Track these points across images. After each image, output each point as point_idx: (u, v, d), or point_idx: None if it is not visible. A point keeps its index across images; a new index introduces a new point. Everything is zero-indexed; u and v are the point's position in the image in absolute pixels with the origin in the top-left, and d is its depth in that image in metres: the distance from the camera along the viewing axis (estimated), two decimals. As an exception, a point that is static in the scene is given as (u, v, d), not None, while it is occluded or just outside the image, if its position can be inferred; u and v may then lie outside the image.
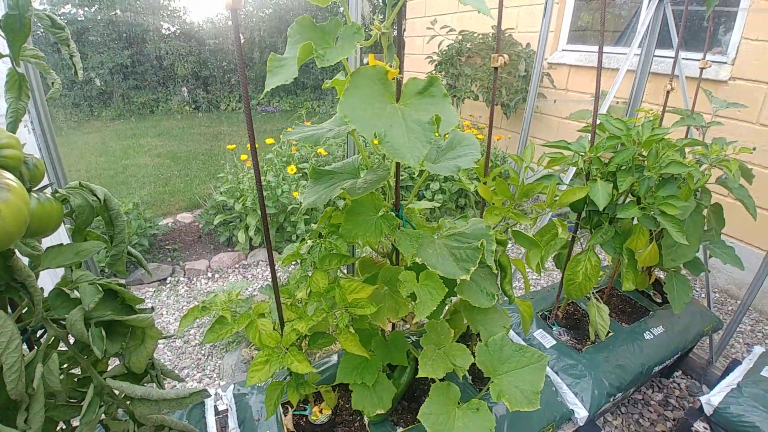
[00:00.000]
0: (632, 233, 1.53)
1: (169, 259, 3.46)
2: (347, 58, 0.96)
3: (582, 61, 3.58)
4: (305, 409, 1.31)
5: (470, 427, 1.07)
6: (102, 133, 6.78)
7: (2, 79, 0.86)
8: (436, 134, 1.17)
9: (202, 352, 2.55)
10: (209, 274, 3.25)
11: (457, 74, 4.27)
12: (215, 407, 1.46)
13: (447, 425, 1.06)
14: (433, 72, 4.66)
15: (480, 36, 4.23)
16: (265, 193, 3.28)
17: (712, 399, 1.54)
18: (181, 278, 3.22)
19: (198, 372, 2.40)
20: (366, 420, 1.28)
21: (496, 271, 1.20)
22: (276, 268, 1.02)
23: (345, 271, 1.48)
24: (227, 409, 1.43)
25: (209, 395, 0.88)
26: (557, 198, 1.17)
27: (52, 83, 0.92)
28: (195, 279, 3.22)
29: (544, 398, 1.45)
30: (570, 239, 1.62)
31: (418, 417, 1.04)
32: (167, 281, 3.17)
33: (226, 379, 2.30)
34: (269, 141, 3.67)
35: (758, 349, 1.80)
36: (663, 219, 1.31)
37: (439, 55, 4.47)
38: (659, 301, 2.03)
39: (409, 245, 1.01)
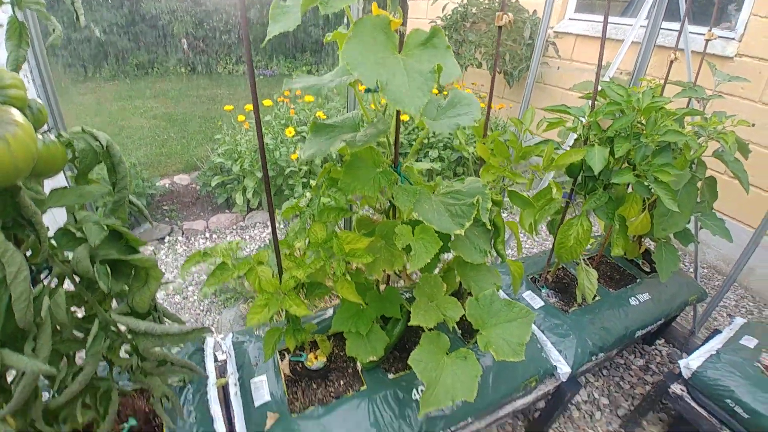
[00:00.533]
0: (626, 201, 1.56)
1: (167, 219, 3.49)
2: (350, 7, 0.96)
3: (588, 30, 3.51)
4: (301, 356, 1.37)
5: (458, 373, 1.12)
6: (97, 93, 6.65)
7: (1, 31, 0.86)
8: (436, 91, 1.17)
9: (201, 308, 2.61)
10: (207, 235, 3.29)
11: (461, 40, 4.18)
12: (215, 355, 1.52)
13: (436, 371, 1.12)
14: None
15: (486, 1, 4.13)
16: (263, 156, 3.28)
17: (691, 363, 1.61)
18: (180, 237, 3.25)
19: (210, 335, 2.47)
20: (359, 366, 1.35)
21: (490, 228, 1.24)
22: (276, 223, 1.04)
23: (342, 228, 1.51)
24: (226, 357, 1.49)
25: (211, 332, 0.92)
26: (554, 160, 1.18)
27: (53, 30, 0.92)
28: (193, 239, 3.25)
29: (529, 353, 1.52)
30: (564, 205, 1.65)
31: (408, 362, 1.10)
32: (165, 240, 3.20)
33: (225, 334, 2.37)
34: (267, 103, 3.63)
35: (739, 320, 1.87)
36: (657, 186, 1.34)
37: (443, 19, 4.37)
38: (647, 270, 2.08)
39: (406, 200, 1.04)
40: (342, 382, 1.32)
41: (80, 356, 0.95)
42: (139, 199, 3.29)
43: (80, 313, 0.98)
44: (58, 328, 0.93)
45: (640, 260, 2.12)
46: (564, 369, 1.55)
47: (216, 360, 1.51)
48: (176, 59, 7.75)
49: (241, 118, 3.57)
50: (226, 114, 3.68)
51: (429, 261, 1.02)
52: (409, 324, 1.10)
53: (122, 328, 0.96)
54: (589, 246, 2.25)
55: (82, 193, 0.91)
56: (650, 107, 1.27)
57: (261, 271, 1.03)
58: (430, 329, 1.21)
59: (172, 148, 4.79)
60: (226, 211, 3.55)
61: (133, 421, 1.23)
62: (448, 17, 4.35)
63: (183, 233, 3.29)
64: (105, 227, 0.87)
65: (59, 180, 1.29)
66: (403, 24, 0.86)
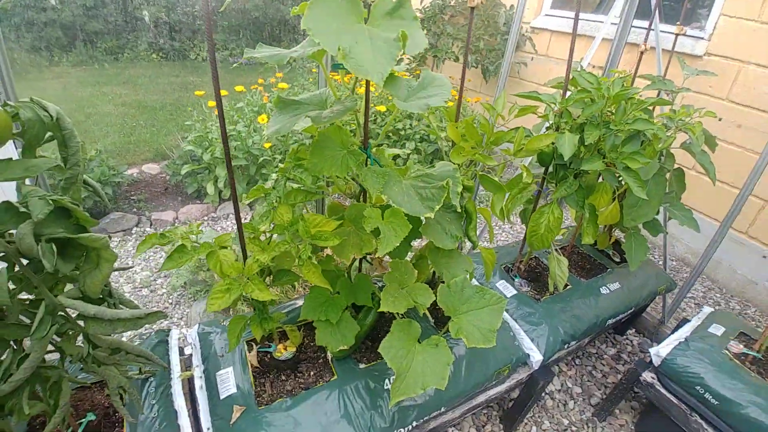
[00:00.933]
0: (596, 190, 1.57)
1: (135, 209, 3.36)
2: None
3: (564, 26, 3.55)
4: (270, 347, 1.33)
5: (429, 361, 1.10)
6: (63, 79, 6.36)
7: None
8: (406, 75, 1.14)
9: (170, 300, 2.52)
10: (177, 225, 3.18)
11: (440, 33, 4.17)
12: (181, 348, 1.46)
13: (407, 359, 1.09)
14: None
15: (464, -6, 4.13)
16: (235, 143, 3.19)
17: (661, 350, 1.64)
18: (147, 229, 3.14)
19: (166, 320, 2.39)
20: (330, 356, 1.31)
21: (462, 214, 1.22)
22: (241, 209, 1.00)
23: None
24: (192, 348, 1.44)
25: (165, 316, 0.87)
26: (524, 146, 1.17)
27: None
28: (161, 230, 3.14)
29: (502, 342, 1.52)
30: (536, 193, 1.65)
31: (378, 350, 1.07)
32: (132, 231, 3.08)
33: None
34: (239, 89, 3.53)
35: (707, 309, 1.92)
36: (625, 174, 1.35)
37: (422, 11, 4.34)
38: (618, 260, 2.12)
39: (375, 182, 1.01)
40: (312, 373, 1.29)
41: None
42: (104, 187, 3.15)
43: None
44: (4, 311, 0.87)
45: (611, 251, 2.16)
46: (536, 357, 1.55)
47: (182, 353, 1.46)
48: (147, 45, 7.48)
49: (211, 104, 3.46)
50: (198, 100, 3.55)
51: (398, 245, 1.00)
52: (379, 310, 1.07)
53: (74, 313, 0.90)
54: (560, 236, 2.28)
55: (28, 166, 0.85)
56: (619, 95, 1.28)
57: (223, 255, 0.98)
58: (401, 316, 1.19)
59: (140, 136, 4.62)
60: (197, 201, 3.45)
61: (91, 416, 1.17)
62: (427, 9, 4.33)
63: (151, 224, 3.18)
64: (51, 202, 0.81)
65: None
66: None
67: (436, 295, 1.18)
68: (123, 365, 0.95)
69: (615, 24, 2.09)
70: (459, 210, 1.26)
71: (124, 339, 1.42)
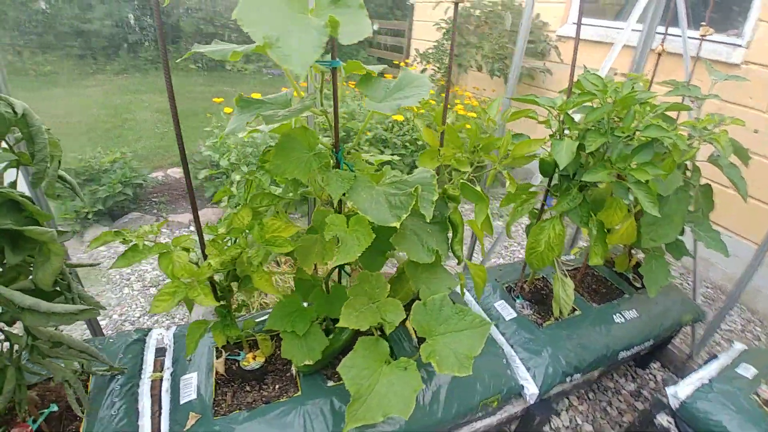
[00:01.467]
0: (607, 206, 1.42)
1: (155, 210, 3.45)
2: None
3: (592, 35, 3.38)
4: (239, 355, 1.26)
5: (395, 384, 1.00)
6: (105, 86, 6.72)
7: None
8: (390, 75, 1.07)
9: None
10: (191, 228, 3.23)
11: (465, 43, 4.09)
12: (157, 348, 1.43)
13: (370, 380, 1.00)
14: (441, 40, 4.48)
15: (489, 3, 4.03)
16: (250, 149, 3.22)
17: (680, 392, 1.45)
18: (164, 230, 3.20)
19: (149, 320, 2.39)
20: (293, 371, 1.24)
21: (444, 223, 1.12)
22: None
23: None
24: (167, 349, 1.40)
25: (98, 313, 0.84)
26: (511, 152, 1.07)
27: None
28: (177, 231, 3.19)
29: (492, 369, 1.39)
30: (540, 208, 1.52)
31: (337, 369, 0.98)
32: (148, 232, 3.15)
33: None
34: (255, 95, 3.58)
35: (739, 346, 1.70)
36: (636, 187, 1.21)
37: (447, 22, 4.28)
38: (638, 285, 1.93)
39: (338, 186, 0.93)
40: (277, 386, 1.21)
41: None
42: (125, 188, 3.25)
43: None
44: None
45: (630, 274, 1.97)
46: (531, 389, 1.41)
47: (159, 353, 1.43)
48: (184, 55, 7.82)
49: (227, 110, 3.52)
50: (216, 107, 3.63)
51: (373, 256, 0.92)
52: (337, 325, 0.98)
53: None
54: (573, 256, 2.11)
55: (-16, 159, 0.84)
56: (628, 99, 1.15)
57: (177, 256, 0.93)
58: (380, 333, 1.10)
59: (169, 141, 4.79)
60: (215, 205, 3.49)
61: (54, 407, 1.16)
62: (451, 20, 4.27)
63: (168, 226, 3.24)
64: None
65: None
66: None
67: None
68: (66, 359, 0.93)
69: (637, 30, 1.94)
70: (427, 219, 1.17)
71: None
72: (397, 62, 5.96)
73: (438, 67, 4.51)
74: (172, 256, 0.93)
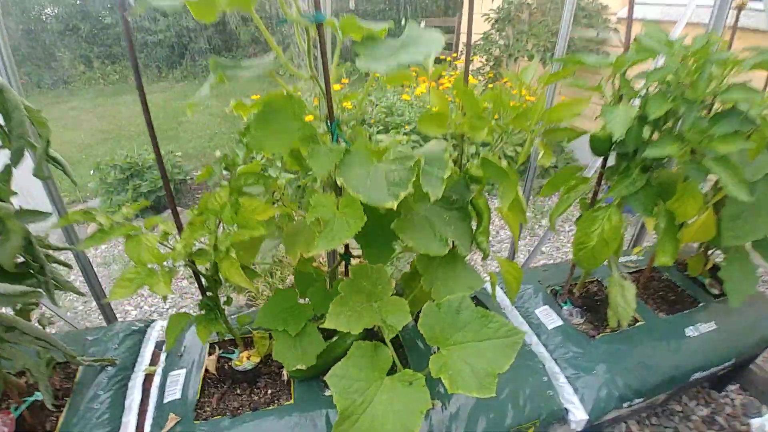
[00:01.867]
0: (679, 195, 1.15)
1: (196, 205, 3.56)
2: None
3: (655, 14, 2.99)
4: (233, 353, 1.14)
5: (395, 402, 0.82)
6: (166, 93, 7.13)
7: None
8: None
9: (191, 291, 2.52)
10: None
11: (517, 32, 3.83)
12: (159, 341, 1.36)
13: (365, 395, 0.83)
14: (490, 31, 4.22)
15: (542, -12, 3.74)
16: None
17: (767, 425, 1.15)
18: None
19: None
20: (285, 376, 1.10)
21: (466, 209, 0.93)
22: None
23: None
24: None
25: (38, 295, 0.76)
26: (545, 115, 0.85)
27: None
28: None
29: (528, 387, 1.16)
30: (592, 194, 1.27)
31: (325, 378, 0.82)
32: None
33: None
34: (255, 97, 3.62)
35: None
36: (716, 165, 0.94)
37: (496, 11, 4.03)
38: (716, 292, 1.59)
39: (323, 161, 0.78)
40: (269, 392, 1.08)
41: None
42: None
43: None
44: None
45: (707, 279, 1.63)
46: (579, 415, 1.16)
47: (158, 346, 1.36)
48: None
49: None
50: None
51: (345, 241, 0.75)
52: (321, 326, 0.82)
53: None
54: (635, 256, 1.79)
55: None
56: (701, 53, 0.88)
57: (147, 239, 0.82)
58: (379, 338, 0.93)
59: (219, 141, 4.96)
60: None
61: (38, 395, 1.11)
62: (500, 9, 4.02)
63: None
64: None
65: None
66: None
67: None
68: (21, 344, 0.85)
69: (705, 6, 1.67)
70: (464, 206, 0.98)
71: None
72: (443, 57, 5.74)
73: (486, 60, 4.26)
74: (140, 239, 0.83)
